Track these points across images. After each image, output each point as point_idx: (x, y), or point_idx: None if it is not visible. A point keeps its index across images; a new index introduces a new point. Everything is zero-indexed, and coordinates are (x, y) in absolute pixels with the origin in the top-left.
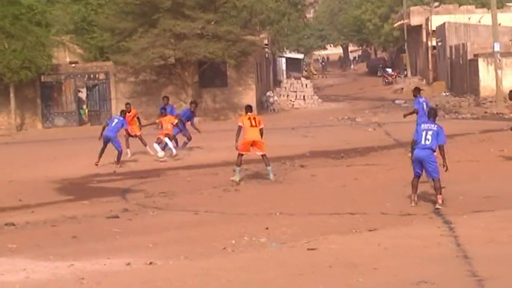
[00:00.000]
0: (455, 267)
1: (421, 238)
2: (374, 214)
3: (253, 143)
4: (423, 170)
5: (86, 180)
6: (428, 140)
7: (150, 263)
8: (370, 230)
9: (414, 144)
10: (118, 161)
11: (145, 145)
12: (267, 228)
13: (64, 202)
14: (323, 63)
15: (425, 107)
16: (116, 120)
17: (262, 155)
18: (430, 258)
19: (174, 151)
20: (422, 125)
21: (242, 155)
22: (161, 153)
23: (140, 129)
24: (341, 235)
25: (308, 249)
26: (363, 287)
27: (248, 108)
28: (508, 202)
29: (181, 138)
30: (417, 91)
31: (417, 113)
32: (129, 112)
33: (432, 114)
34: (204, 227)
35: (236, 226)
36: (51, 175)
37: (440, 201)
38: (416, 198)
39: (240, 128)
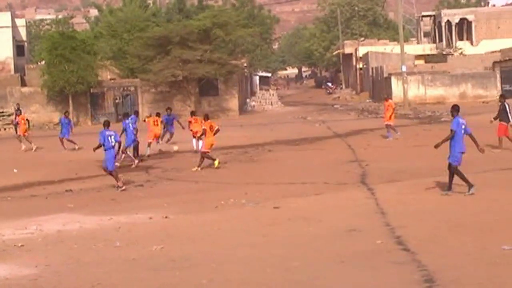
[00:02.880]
0: (375, 220)
1: (352, 200)
2: (320, 183)
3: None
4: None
5: (119, 162)
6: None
7: (166, 217)
8: (317, 194)
9: None
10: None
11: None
12: (246, 193)
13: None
14: (287, 80)
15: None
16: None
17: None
18: (358, 214)
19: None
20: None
21: (207, 152)
22: (175, 147)
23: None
24: (297, 198)
25: (274, 207)
26: (312, 233)
27: (207, 117)
28: (412, 175)
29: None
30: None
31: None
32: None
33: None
34: (202, 192)
35: (224, 192)
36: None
37: None
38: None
39: (205, 131)
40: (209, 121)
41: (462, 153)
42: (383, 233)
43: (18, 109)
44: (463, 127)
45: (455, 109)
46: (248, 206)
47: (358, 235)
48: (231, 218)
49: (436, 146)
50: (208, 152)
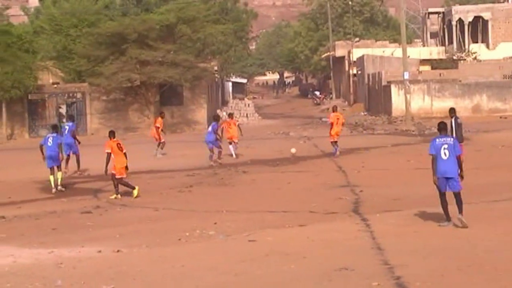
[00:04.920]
0: (370, 257)
1: (342, 232)
2: (304, 212)
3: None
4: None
5: (65, 182)
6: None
7: (118, 251)
8: (301, 225)
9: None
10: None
11: None
12: (215, 223)
13: (45, 200)
14: (266, 87)
15: None
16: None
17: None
18: (350, 249)
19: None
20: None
21: (122, 178)
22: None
23: None
24: (276, 229)
25: (248, 241)
26: (295, 272)
27: (112, 134)
28: (412, 203)
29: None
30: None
31: None
32: None
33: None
34: (162, 222)
35: (189, 220)
36: (35, 176)
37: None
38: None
39: (109, 154)
40: (115, 139)
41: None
42: (380, 273)
43: None
44: (445, 147)
45: (440, 127)
46: (217, 238)
47: (350, 275)
48: (197, 253)
49: (434, 181)
50: (122, 177)
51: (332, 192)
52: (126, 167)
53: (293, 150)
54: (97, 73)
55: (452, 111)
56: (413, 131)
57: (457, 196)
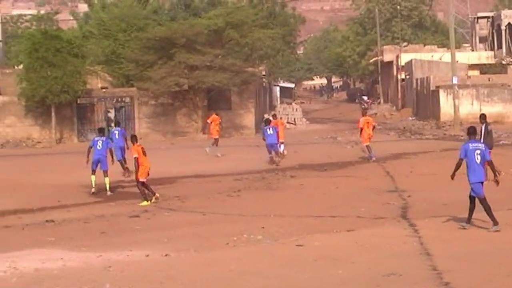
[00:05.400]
0: (418, 262)
1: (390, 238)
2: (352, 217)
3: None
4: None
5: (113, 185)
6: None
7: (166, 255)
8: (348, 230)
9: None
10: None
11: None
12: (263, 227)
13: (94, 203)
14: (314, 92)
15: None
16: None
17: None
18: (398, 254)
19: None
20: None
21: (144, 182)
22: None
23: None
24: (324, 234)
25: (296, 245)
26: (342, 277)
27: (135, 138)
28: (461, 209)
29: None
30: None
31: None
32: None
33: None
34: (210, 226)
35: (237, 225)
36: (84, 180)
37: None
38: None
39: (136, 159)
40: (138, 144)
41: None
42: (428, 278)
43: None
44: (477, 152)
45: (470, 131)
46: (265, 243)
47: (398, 281)
48: (244, 258)
49: (452, 177)
50: (144, 182)
51: (380, 197)
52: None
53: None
54: (146, 78)
55: (482, 117)
56: (461, 136)
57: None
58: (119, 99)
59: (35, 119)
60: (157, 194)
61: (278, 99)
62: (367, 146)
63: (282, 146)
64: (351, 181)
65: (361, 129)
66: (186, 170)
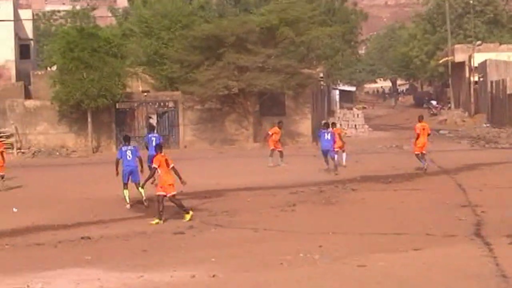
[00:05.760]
0: (494, 286)
1: (462, 258)
2: (419, 234)
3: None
4: None
5: (154, 200)
6: None
7: (213, 275)
8: (416, 250)
9: None
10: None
11: None
12: (320, 246)
13: (135, 219)
14: (377, 96)
15: None
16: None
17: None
18: (471, 277)
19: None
20: None
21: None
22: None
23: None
24: (388, 254)
25: (358, 266)
26: None
27: (159, 148)
28: None
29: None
30: None
31: None
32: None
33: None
34: (262, 244)
35: (292, 243)
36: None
37: None
38: None
39: (155, 169)
40: (163, 154)
41: None
42: None
43: None
44: None
45: None
46: (323, 263)
47: None
48: (300, 279)
49: None
50: (172, 194)
51: (451, 212)
52: (172, 185)
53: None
54: (191, 80)
55: None
56: None
57: None
58: (162, 104)
59: (69, 125)
60: (191, 212)
61: (338, 104)
62: (417, 155)
63: (344, 155)
64: (419, 194)
65: (418, 136)
66: (235, 182)
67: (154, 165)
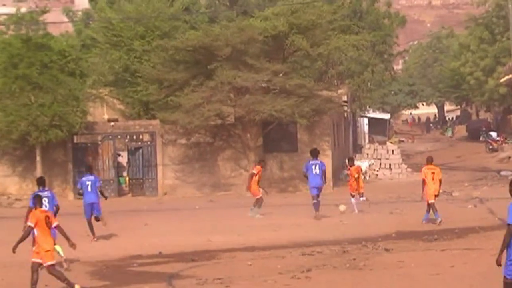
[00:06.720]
0: None
1: None
2: None
3: None
4: None
5: (125, 263)
6: None
7: None
8: None
9: None
10: None
11: None
12: None
13: None
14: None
15: None
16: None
17: None
18: None
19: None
20: None
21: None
22: None
23: None
24: None
25: None
26: None
27: (38, 199)
28: None
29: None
30: None
31: None
32: None
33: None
34: None
35: None
36: (84, 256)
37: None
38: None
39: (30, 229)
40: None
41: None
42: None
43: None
44: None
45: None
46: None
47: None
48: None
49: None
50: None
51: None
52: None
53: (341, 208)
54: (173, 106)
55: None
56: None
57: None
58: (135, 137)
59: (12, 165)
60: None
61: (366, 136)
62: (430, 205)
63: (363, 198)
64: (474, 256)
65: (424, 181)
66: (232, 240)
67: (29, 223)
